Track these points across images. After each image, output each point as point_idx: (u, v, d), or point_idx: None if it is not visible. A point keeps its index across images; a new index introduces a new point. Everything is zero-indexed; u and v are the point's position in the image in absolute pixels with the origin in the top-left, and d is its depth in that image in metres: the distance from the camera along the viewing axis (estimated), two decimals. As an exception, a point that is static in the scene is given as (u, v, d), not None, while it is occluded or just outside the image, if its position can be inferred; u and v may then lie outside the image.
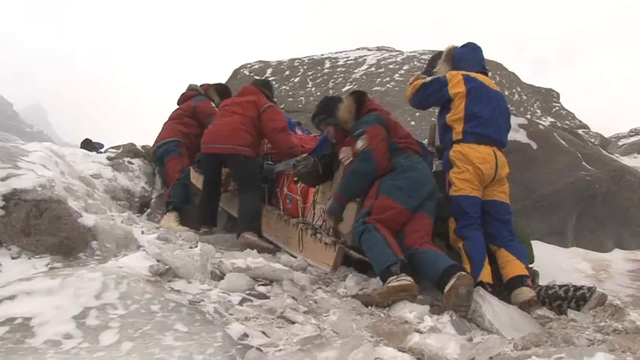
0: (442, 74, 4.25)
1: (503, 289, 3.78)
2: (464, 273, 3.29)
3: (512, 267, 3.77)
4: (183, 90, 6.80)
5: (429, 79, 4.23)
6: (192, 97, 6.55)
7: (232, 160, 5.04)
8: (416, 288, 3.32)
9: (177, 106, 6.63)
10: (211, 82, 6.72)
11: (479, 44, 4.40)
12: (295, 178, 4.90)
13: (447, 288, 3.22)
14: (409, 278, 3.30)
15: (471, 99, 3.98)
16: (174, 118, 6.39)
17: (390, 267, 3.39)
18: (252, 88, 5.52)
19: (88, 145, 11.18)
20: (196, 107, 6.31)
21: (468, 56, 4.30)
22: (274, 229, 5.13)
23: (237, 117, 5.11)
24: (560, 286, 3.79)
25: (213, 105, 6.27)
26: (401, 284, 3.26)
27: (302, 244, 4.60)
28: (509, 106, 4.48)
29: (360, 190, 4.04)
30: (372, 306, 3.19)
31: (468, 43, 4.43)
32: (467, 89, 3.99)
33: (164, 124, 6.45)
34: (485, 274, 3.72)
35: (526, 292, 3.60)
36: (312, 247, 4.46)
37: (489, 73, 4.52)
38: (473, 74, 4.12)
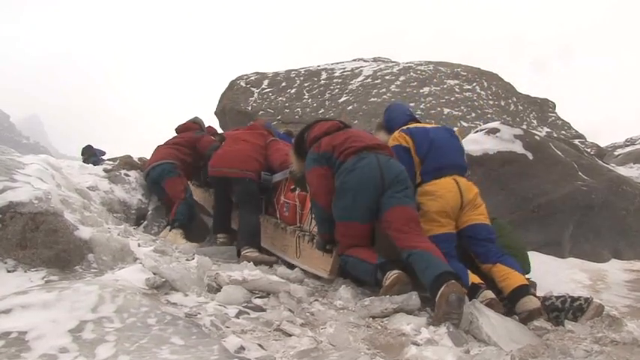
0: (382, 140, 4.45)
1: (505, 302, 3.78)
2: (453, 281, 3.25)
3: (513, 278, 3.74)
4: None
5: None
6: (194, 130, 6.74)
7: (238, 182, 5.27)
8: (404, 276, 3.54)
9: (176, 133, 6.82)
10: (216, 130, 7.24)
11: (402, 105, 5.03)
12: (292, 186, 4.99)
13: (437, 297, 3.21)
14: (393, 273, 3.54)
15: (417, 145, 4.18)
16: (170, 144, 6.48)
17: (375, 277, 3.64)
18: (260, 124, 6.08)
19: (89, 150, 11.26)
20: (199, 139, 6.50)
21: (393, 115, 4.66)
22: (271, 238, 5.18)
23: (248, 145, 5.50)
24: (557, 297, 3.78)
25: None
26: (390, 282, 3.49)
27: (299, 251, 4.65)
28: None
29: (330, 228, 4.09)
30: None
31: (389, 105, 4.94)
32: (410, 138, 4.22)
33: (157, 148, 6.53)
34: (474, 278, 3.81)
35: (534, 301, 3.59)
36: (309, 254, 4.51)
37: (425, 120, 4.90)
38: (406, 127, 4.39)
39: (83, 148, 11.63)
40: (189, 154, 6.42)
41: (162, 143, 6.61)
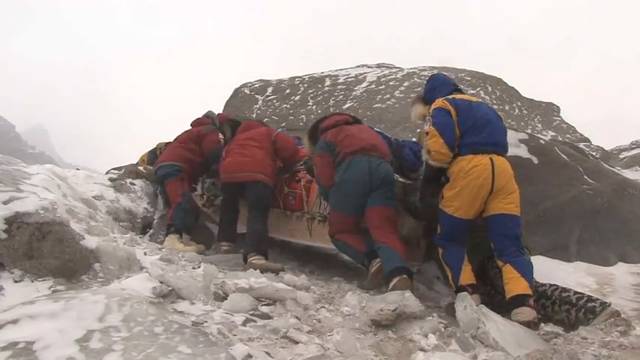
0: (417, 112, 4.68)
1: (505, 304, 3.76)
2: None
3: (515, 285, 3.69)
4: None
5: (424, 129, 4.35)
6: (206, 124, 6.67)
7: (251, 186, 5.33)
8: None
9: (190, 127, 6.76)
10: (228, 116, 7.19)
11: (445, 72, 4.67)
12: (297, 178, 5.71)
13: (389, 288, 3.95)
14: (377, 261, 4.27)
15: (460, 117, 4.09)
16: (180, 140, 6.46)
17: (363, 263, 4.50)
18: (256, 122, 6.21)
19: None
20: (203, 135, 6.45)
21: (435, 85, 4.59)
22: (274, 226, 5.53)
23: (257, 150, 5.55)
24: (576, 293, 3.81)
25: (221, 138, 6.45)
26: (375, 269, 4.28)
27: (311, 231, 5.38)
28: (511, 121, 4.63)
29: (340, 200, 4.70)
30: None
31: (432, 75, 4.93)
32: (453, 108, 4.12)
33: (169, 144, 6.58)
34: (465, 277, 4.00)
35: (527, 313, 3.52)
36: (321, 232, 5.22)
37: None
38: (451, 96, 4.29)
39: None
40: (197, 152, 6.38)
41: (174, 139, 6.64)
